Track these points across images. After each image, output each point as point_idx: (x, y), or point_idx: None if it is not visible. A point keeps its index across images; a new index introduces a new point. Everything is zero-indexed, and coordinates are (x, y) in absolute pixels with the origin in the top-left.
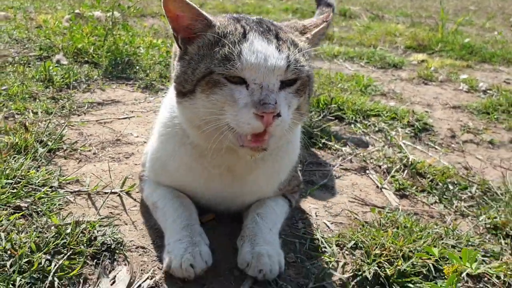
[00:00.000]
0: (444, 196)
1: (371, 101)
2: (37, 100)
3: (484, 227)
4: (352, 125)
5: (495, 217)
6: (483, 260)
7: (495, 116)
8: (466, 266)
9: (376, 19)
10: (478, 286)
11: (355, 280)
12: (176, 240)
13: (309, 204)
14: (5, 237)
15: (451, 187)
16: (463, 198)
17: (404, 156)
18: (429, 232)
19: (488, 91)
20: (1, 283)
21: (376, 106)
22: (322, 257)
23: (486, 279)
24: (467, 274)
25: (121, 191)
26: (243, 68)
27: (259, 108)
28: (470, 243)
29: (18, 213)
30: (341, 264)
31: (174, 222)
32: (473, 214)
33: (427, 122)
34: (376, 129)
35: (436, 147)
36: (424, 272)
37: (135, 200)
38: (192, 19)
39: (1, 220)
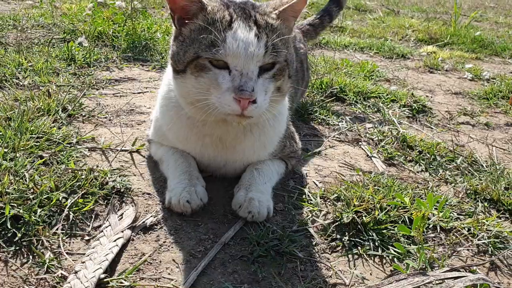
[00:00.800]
0: (431, 166)
1: (374, 85)
2: (60, 75)
3: (464, 192)
4: (353, 106)
5: (477, 184)
6: (458, 218)
7: (494, 102)
8: (433, 213)
9: (391, 14)
10: (448, 237)
11: (334, 225)
12: (176, 182)
13: (301, 167)
14: (29, 177)
15: (438, 158)
16: (448, 167)
17: (395, 129)
18: (408, 192)
19: (492, 80)
20: (25, 212)
21: (377, 89)
22: (307, 207)
23: (457, 232)
24: (441, 228)
25: (132, 148)
26: (226, 54)
27: (237, 93)
28: (447, 203)
29: (40, 160)
30: (323, 212)
31: (175, 169)
32: (456, 181)
33: (426, 105)
34: (375, 109)
35: (432, 127)
36: (399, 222)
37: (144, 157)
38: (188, 1)
39: (26, 165)
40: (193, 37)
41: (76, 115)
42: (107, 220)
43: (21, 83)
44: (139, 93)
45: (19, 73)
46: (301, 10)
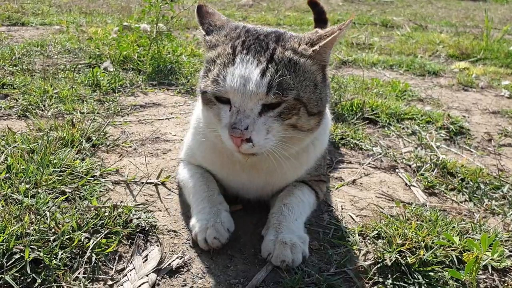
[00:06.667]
0: (475, 195)
1: (407, 105)
2: (85, 102)
3: None
4: (386, 128)
5: None
6: (510, 256)
7: None
8: (486, 254)
9: (419, 29)
10: (503, 280)
11: (376, 267)
12: (198, 212)
13: (335, 199)
14: (50, 216)
15: (482, 186)
16: (494, 197)
17: (435, 155)
18: (454, 226)
19: None
20: (45, 255)
21: (411, 110)
22: (345, 245)
23: None
24: (492, 268)
25: (157, 181)
26: (226, 91)
27: (230, 131)
28: (497, 238)
29: (63, 196)
30: (363, 252)
31: (194, 195)
32: (504, 212)
33: (463, 126)
34: (410, 131)
35: (472, 150)
36: (447, 262)
37: (169, 189)
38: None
39: (47, 202)
40: (207, 67)
41: (100, 145)
42: (131, 262)
43: (46, 113)
44: (164, 119)
45: (44, 100)
46: (337, 40)
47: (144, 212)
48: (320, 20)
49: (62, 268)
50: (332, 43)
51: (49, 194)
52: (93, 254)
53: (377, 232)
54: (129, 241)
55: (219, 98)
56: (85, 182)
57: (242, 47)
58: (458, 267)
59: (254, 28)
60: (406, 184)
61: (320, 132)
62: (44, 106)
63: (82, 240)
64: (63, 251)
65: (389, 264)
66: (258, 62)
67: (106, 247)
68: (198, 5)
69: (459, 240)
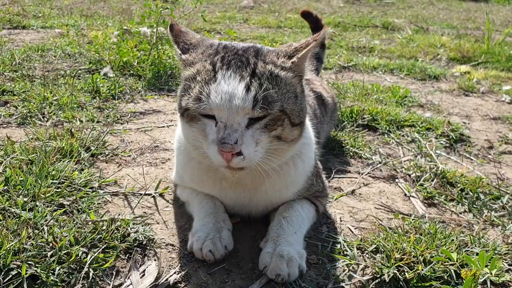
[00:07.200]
0: (474, 206)
1: (407, 112)
2: (84, 110)
3: None
4: (386, 135)
5: None
6: (509, 269)
7: None
8: (486, 271)
9: (421, 31)
10: None
11: (374, 282)
12: (201, 225)
13: (334, 210)
14: (48, 230)
15: (482, 196)
16: (494, 207)
17: (434, 165)
18: (453, 239)
19: None
20: (42, 271)
21: (411, 116)
22: (343, 259)
23: None
24: (491, 282)
25: (155, 192)
26: (211, 108)
27: (219, 146)
28: (496, 251)
29: (61, 209)
30: (361, 266)
31: (200, 210)
32: (503, 224)
33: (463, 133)
34: (410, 139)
35: (472, 158)
36: (445, 277)
37: (167, 201)
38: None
39: (45, 216)
40: (187, 86)
41: (99, 155)
42: (129, 278)
43: (45, 121)
44: (163, 126)
45: (43, 108)
46: (313, 50)
47: (142, 226)
48: (317, 27)
49: (59, 284)
50: (308, 54)
51: (47, 207)
52: (90, 270)
53: (375, 246)
54: (127, 255)
55: (203, 114)
56: (84, 194)
57: (222, 63)
58: (457, 281)
59: (231, 44)
60: (405, 194)
61: (303, 146)
62: (43, 113)
63: (79, 255)
64: (60, 266)
65: (387, 280)
66: (241, 77)
67: (104, 262)
68: (170, 24)
69: (458, 254)
